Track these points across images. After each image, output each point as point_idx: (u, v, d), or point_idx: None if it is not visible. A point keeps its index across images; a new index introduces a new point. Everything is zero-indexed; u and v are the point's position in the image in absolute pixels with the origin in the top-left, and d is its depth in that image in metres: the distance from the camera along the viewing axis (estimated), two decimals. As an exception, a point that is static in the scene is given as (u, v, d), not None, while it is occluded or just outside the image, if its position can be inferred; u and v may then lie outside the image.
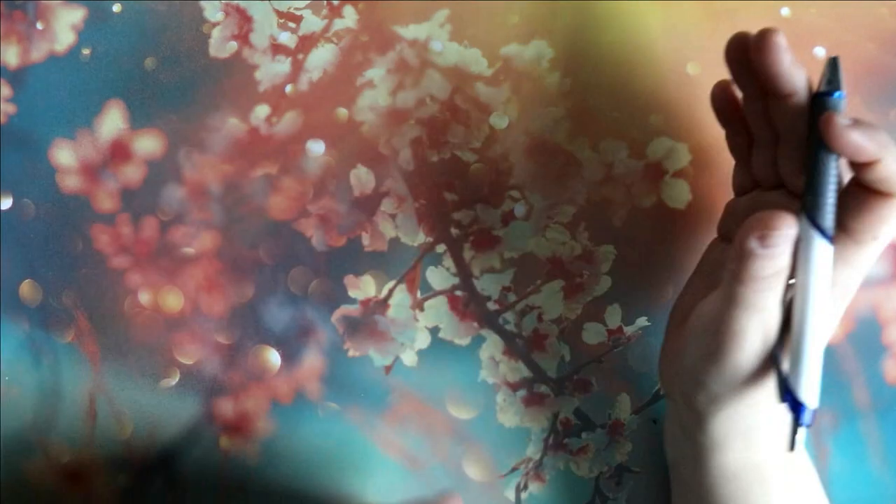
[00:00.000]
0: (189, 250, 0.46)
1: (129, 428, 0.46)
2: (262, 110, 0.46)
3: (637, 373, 0.46)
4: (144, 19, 0.46)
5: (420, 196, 0.46)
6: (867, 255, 0.37)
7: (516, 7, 0.46)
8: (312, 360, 0.46)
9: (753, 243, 0.35)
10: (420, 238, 0.46)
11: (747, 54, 0.37)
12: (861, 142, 0.34)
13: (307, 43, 0.46)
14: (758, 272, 0.35)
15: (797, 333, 0.35)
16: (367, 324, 0.46)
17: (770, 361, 0.36)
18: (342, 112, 0.46)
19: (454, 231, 0.46)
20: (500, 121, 0.46)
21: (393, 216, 0.46)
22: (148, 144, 0.46)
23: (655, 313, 0.46)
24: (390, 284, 0.46)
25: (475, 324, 0.46)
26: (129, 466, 0.46)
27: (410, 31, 0.45)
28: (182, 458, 0.46)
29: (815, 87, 0.37)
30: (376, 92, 0.46)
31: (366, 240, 0.46)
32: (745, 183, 0.41)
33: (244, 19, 0.46)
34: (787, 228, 0.35)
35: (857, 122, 0.35)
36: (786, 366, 0.36)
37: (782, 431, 0.39)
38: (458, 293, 0.46)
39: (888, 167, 0.35)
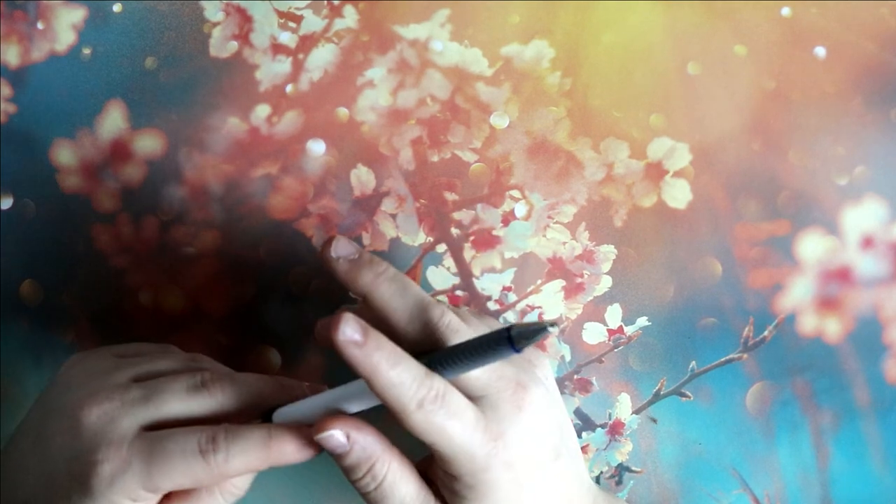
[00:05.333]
0: (190, 250, 0.46)
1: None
2: (262, 110, 0.46)
3: (637, 372, 0.46)
4: (145, 19, 0.46)
5: (420, 196, 0.46)
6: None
7: (516, 7, 0.46)
8: (312, 360, 0.46)
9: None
10: (421, 238, 0.46)
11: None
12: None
13: (308, 43, 0.46)
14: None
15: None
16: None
17: None
18: (343, 112, 0.46)
19: (455, 231, 0.46)
20: (500, 120, 0.46)
21: (393, 216, 0.46)
22: (148, 144, 0.46)
23: (656, 313, 0.46)
24: (391, 284, 0.46)
25: (476, 324, 0.46)
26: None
27: (411, 31, 0.45)
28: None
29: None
30: (377, 92, 0.46)
31: (366, 239, 0.46)
32: None
33: (244, 19, 0.46)
34: None
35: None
36: None
37: None
38: (459, 293, 0.46)
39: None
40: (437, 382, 0.36)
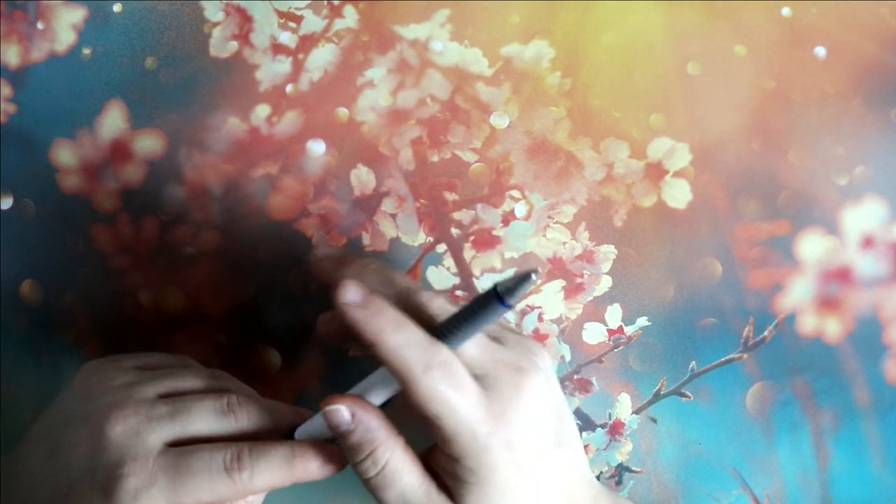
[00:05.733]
0: (189, 250, 0.46)
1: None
2: (262, 110, 0.46)
3: (637, 372, 0.46)
4: (145, 19, 0.46)
5: (421, 196, 0.46)
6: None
7: (516, 7, 0.46)
8: (312, 360, 0.46)
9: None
10: (421, 238, 0.46)
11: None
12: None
13: (308, 43, 0.46)
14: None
15: None
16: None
17: None
18: (343, 112, 0.46)
19: (455, 231, 0.46)
20: (500, 120, 0.46)
21: (393, 216, 0.46)
22: (148, 144, 0.46)
23: (656, 313, 0.46)
24: (391, 284, 0.46)
25: (475, 324, 0.46)
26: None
27: (411, 31, 0.45)
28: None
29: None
30: (377, 92, 0.46)
31: (366, 239, 0.46)
32: None
33: (245, 19, 0.46)
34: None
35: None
36: None
37: None
38: (459, 293, 0.46)
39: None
40: (443, 350, 0.36)
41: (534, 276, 0.33)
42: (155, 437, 0.37)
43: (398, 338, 0.35)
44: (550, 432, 0.38)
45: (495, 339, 0.39)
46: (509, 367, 0.37)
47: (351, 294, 0.35)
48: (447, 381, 0.35)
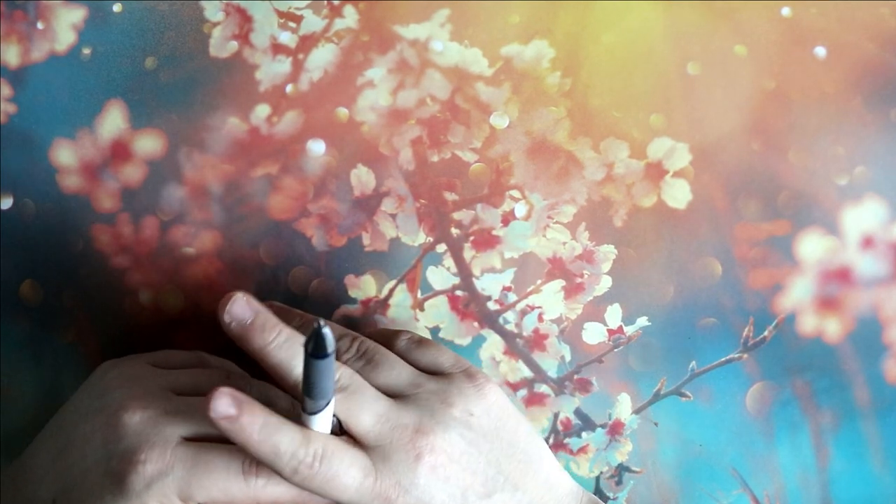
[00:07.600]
0: (189, 250, 0.46)
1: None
2: (262, 110, 0.46)
3: (637, 372, 0.46)
4: (145, 19, 0.46)
5: (420, 196, 0.46)
6: None
7: (516, 7, 0.46)
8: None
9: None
10: (420, 238, 0.46)
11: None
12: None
13: (308, 43, 0.46)
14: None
15: None
16: (367, 324, 0.46)
17: None
18: (343, 112, 0.46)
19: (455, 231, 0.46)
20: (500, 121, 0.46)
21: (393, 216, 0.46)
22: (148, 144, 0.46)
23: (656, 313, 0.46)
24: (391, 284, 0.46)
25: (476, 323, 0.46)
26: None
27: (411, 31, 0.45)
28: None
29: None
30: (377, 92, 0.46)
31: (366, 239, 0.46)
32: None
33: (245, 19, 0.46)
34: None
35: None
36: None
37: None
38: (459, 293, 0.46)
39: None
40: (317, 445, 0.36)
41: (321, 326, 0.33)
42: (172, 430, 0.37)
43: (265, 447, 0.36)
44: (469, 486, 0.38)
45: (406, 396, 0.39)
46: (408, 429, 0.38)
47: (220, 407, 0.36)
48: (320, 475, 0.36)
